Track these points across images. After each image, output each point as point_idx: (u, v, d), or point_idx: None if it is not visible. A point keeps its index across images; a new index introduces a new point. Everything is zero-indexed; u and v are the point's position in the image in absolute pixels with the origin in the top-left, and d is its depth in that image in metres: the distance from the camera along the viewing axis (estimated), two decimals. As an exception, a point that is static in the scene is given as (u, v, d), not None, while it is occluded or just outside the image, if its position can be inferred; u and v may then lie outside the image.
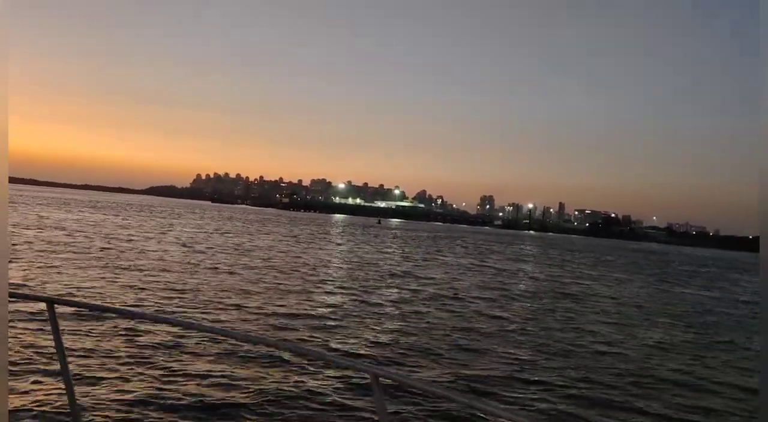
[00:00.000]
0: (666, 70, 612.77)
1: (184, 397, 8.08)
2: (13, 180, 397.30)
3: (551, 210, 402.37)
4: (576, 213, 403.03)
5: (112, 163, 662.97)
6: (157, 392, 8.19)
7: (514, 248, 74.90)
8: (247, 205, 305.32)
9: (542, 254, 64.35)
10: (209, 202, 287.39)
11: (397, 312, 16.61)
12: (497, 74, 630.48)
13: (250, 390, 8.61)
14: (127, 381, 8.54)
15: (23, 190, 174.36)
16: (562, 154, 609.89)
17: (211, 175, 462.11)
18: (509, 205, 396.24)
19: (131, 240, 33.02)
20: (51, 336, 3.16)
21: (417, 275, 27.56)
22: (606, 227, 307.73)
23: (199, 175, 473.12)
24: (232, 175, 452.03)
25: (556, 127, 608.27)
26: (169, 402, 7.87)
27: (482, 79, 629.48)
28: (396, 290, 21.40)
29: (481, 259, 44.89)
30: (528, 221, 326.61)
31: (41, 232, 32.35)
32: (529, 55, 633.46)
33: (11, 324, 10.64)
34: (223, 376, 9.08)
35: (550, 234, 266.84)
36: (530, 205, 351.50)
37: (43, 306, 2.98)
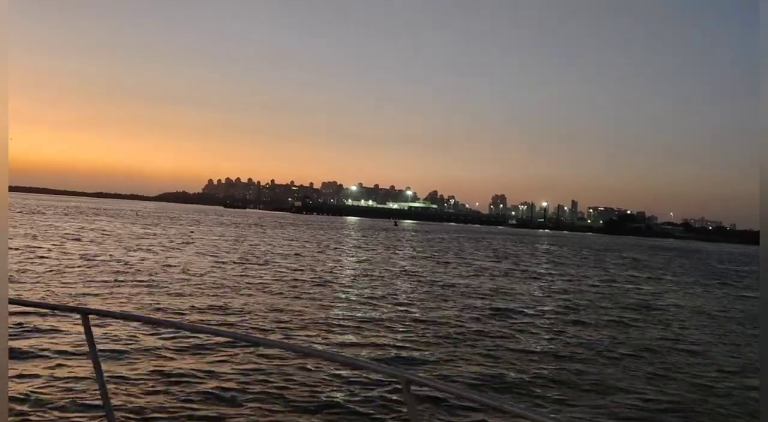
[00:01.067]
0: (675, 67, 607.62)
1: (217, 405, 8.06)
2: (28, 190, 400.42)
3: (564, 207, 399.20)
4: (590, 210, 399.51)
5: (123, 169, 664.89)
6: (192, 401, 8.15)
7: (540, 248, 72.87)
8: (260, 209, 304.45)
9: (573, 254, 61.97)
10: (222, 207, 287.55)
11: (462, 330, 14.36)
12: (506, 73, 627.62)
13: (283, 396, 8.59)
14: (162, 390, 8.50)
15: (42, 199, 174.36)
16: (572, 152, 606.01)
17: (223, 180, 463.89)
18: (522, 204, 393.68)
19: (158, 250, 31.33)
20: (86, 347, 3.09)
21: (466, 284, 25.32)
22: (622, 224, 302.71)
23: (210, 181, 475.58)
24: (244, 180, 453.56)
25: (566, 124, 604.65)
26: (204, 410, 7.85)
27: (491, 78, 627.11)
28: (450, 303, 19.15)
29: (517, 262, 42.68)
30: (543, 219, 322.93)
31: (71, 244, 30.72)
32: (538, 53, 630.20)
33: (47, 335, 10.93)
34: (255, 383, 9.10)
35: (566, 232, 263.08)
36: (544, 203, 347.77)
37: (77, 317, 2.88)
